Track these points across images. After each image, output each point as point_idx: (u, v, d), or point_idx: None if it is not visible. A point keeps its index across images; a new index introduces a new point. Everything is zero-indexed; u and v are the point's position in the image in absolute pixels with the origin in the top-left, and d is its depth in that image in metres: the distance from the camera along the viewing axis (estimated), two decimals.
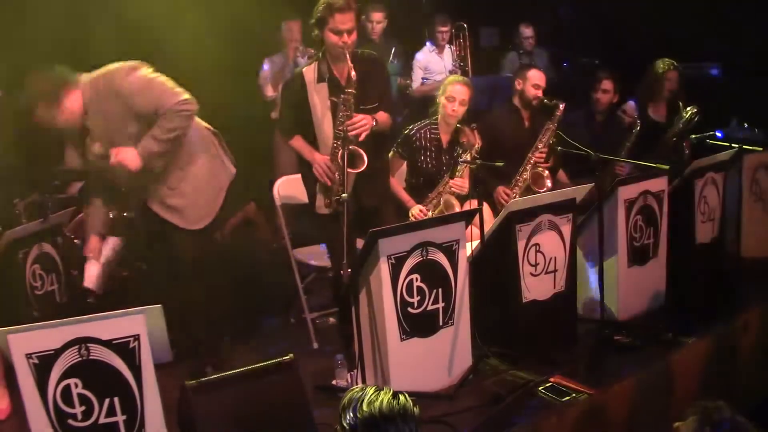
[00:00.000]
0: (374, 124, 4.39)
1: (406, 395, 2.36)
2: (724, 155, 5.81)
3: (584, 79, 6.75)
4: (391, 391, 2.34)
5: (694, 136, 6.30)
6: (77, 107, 4.09)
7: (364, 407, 2.30)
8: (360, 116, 4.32)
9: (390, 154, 5.22)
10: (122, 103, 4.09)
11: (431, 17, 7.52)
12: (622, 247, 5.05)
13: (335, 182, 4.37)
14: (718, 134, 6.61)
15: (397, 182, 5.30)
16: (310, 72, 4.49)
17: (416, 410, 2.34)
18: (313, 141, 4.53)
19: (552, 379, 4.27)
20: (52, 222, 5.02)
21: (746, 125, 7.63)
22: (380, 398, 2.31)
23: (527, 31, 8.03)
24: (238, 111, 6.71)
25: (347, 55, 4.29)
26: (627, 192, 5.06)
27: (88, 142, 4.23)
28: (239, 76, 6.92)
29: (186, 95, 4.17)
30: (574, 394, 4.15)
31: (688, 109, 6.26)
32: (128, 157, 4.11)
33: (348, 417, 2.32)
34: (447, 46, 7.50)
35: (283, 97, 4.76)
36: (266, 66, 7.01)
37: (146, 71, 4.18)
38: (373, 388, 2.36)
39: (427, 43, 7.46)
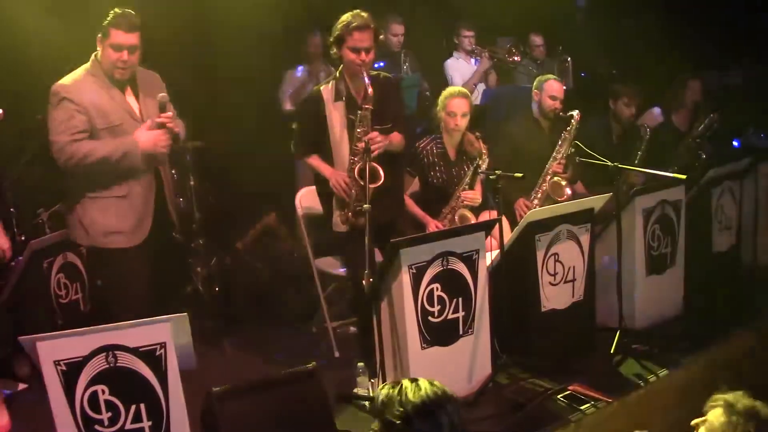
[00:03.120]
0: (387, 141, 4.42)
1: (439, 382, 2.38)
2: (740, 164, 5.83)
3: (602, 89, 6.76)
4: (426, 380, 2.35)
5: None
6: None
7: (411, 398, 2.29)
8: (376, 133, 4.37)
9: None
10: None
11: (454, 26, 7.52)
12: (640, 256, 5.08)
13: (353, 197, 4.41)
14: (735, 143, 6.63)
15: (410, 199, 5.32)
16: (327, 90, 4.53)
17: (454, 393, 2.36)
18: (328, 158, 4.57)
19: (571, 388, 4.30)
20: None
21: (762, 134, 7.63)
22: (422, 387, 2.32)
23: (537, 40, 8.00)
24: (260, 121, 6.76)
25: (364, 73, 4.33)
26: (644, 201, 5.09)
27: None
28: (261, 87, 6.97)
29: None
30: (592, 402, 4.18)
31: (711, 116, 6.28)
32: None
33: (396, 411, 2.30)
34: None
35: (300, 115, 4.77)
36: (288, 79, 7.06)
37: None
38: (407, 380, 2.35)
39: (454, 53, 7.47)
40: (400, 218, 4.81)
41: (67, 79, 4.22)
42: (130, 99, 4.32)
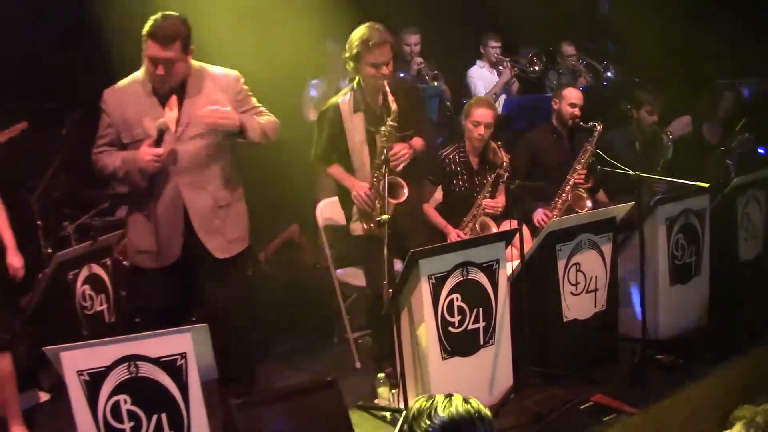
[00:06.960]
0: (412, 152, 4.39)
1: (476, 400, 2.36)
2: (766, 171, 5.77)
3: (624, 97, 6.72)
4: (461, 396, 2.34)
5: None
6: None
7: (441, 413, 2.26)
8: (399, 146, 4.32)
9: None
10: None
11: (482, 36, 7.51)
12: (664, 265, 5.04)
13: (375, 210, 4.40)
14: (761, 150, 6.57)
15: (432, 208, 5.32)
16: (345, 103, 4.50)
17: (489, 413, 2.33)
18: (349, 170, 4.57)
19: (593, 399, 4.26)
20: (100, 244, 5.14)
21: None
22: (454, 404, 2.30)
23: (569, 49, 7.92)
24: (282, 133, 6.79)
25: (386, 86, 4.30)
26: (667, 210, 5.05)
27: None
28: (282, 98, 6.99)
29: None
30: (615, 414, 4.14)
31: (747, 135, 6.21)
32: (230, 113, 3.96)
33: (423, 425, 2.29)
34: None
35: (319, 126, 4.69)
36: (311, 89, 7.08)
37: None
38: (442, 395, 2.34)
39: (477, 61, 7.46)
40: (416, 224, 4.71)
41: (113, 87, 3.97)
42: (174, 109, 3.92)
